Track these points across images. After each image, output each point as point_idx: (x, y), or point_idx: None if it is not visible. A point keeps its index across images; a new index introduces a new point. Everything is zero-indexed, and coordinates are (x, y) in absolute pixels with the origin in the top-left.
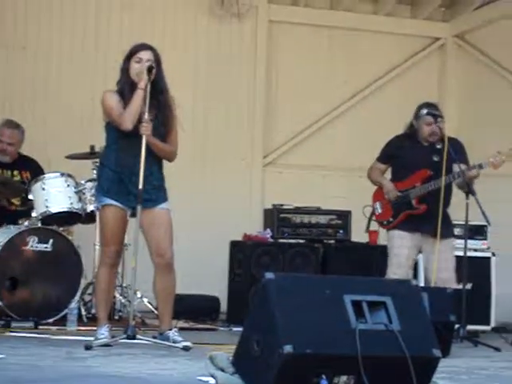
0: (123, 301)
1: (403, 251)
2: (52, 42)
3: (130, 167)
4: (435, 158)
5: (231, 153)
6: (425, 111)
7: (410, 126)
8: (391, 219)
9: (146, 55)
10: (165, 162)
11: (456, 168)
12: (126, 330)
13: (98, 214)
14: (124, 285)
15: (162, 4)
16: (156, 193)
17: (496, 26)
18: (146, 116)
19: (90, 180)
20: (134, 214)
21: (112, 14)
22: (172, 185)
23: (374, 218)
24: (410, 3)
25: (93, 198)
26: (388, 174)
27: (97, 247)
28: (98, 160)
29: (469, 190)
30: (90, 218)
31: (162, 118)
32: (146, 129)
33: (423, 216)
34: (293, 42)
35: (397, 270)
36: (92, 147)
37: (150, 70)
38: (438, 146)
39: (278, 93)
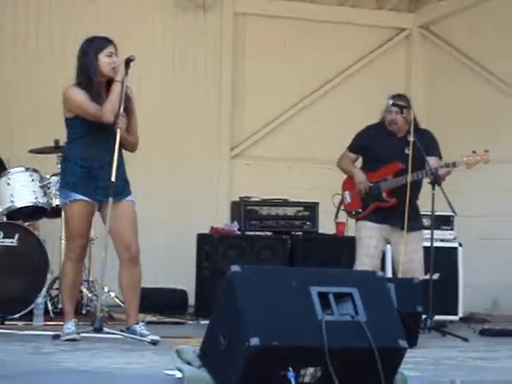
0: (90, 295)
1: (372, 242)
2: (19, 35)
3: (98, 160)
4: (407, 151)
5: (198, 145)
6: (389, 102)
7: (382, 117)
8: (360, 210)
9: (113, 49)
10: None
11: (427, 166)
12: (93, 322)
13: (63, 208)
14: (91, 279)
15: None
16: (123, 185)
17: (461, 16)
18: (122, 110)
19: (55, 174)
20: (99, 208)
21: (77, 8)
22: (139, 178)
23: (342, 207)
24: None
25: (58, 193)
26: (358, 164)
27: (63, 241)
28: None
29: (435, 181)
30: (55, 212)
31: (124, 109)
32: (121, 123)
33: (392, 209)
34: (259, 33)
35: (365, 260)
36: (56, 141)
37: (128, 62)
38: (409, 139)
39: (244, 84)
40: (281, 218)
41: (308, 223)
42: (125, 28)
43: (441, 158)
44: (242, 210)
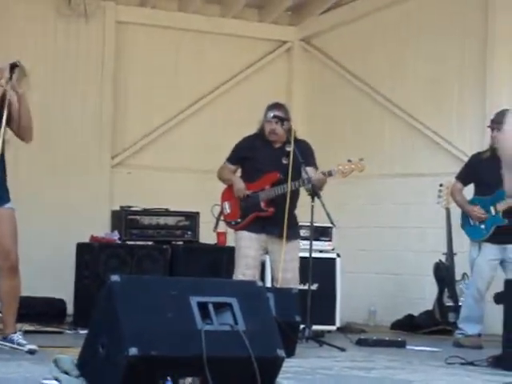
0: None
1: (251, 252)
2: None
3: None
4: (284, 161)
5: (79, 154)
6: (268, 112)
7: (260, 127)
8: (239, 220)
9: None
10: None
11: (304, 174)
12: None
13: None
14: None
15: (5, 2)
16: (1, 193)
17: (341, 31)
18: (5, 115)
19: None
20: None
21: None
22: (18, 186)
23: (222, 217)
24: (257, 6)
25: None
26: (238, 175)
27: None
28: None
29: (314, 193)
30: None
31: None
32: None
33: (271, 218)
34: (141, 43)
35: (245, 270)
36: None
37: (13, 67)
38: (288, 149)
39: (126, 94)
40: (161, 227)
41: (189, 233)
42: (3, 36)
43: (317, 168)
44: (123, 219)
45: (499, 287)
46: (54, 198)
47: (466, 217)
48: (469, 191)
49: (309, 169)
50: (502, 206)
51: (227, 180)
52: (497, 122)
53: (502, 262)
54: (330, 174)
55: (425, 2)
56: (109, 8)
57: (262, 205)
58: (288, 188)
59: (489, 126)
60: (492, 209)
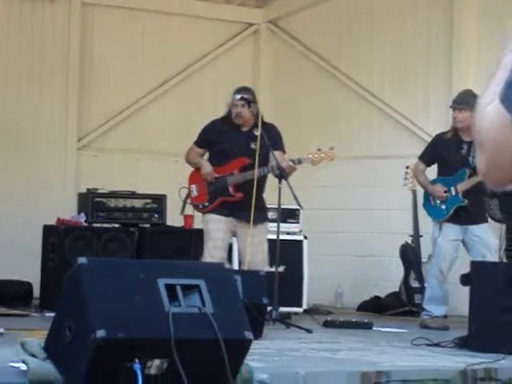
0: None
1: (219, 234)
2: None
3: None
4: (253, 146)
5: (44, 136)
6: (235, 95)
7: (227, 111)
8: (207, 203)
9: None
10: None
11: (273, 160)
12: None
13: None
14: None
15: None
16: None
17: (307, 13)
18: None
19: None
20: None
21: None
22: None
23: (189, 200)
24: None
25: None
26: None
27: None
28: None
29: (281, 176)
30: None
31: None
32: None
33: (239, 203)
34: (107, 24)
35: (213, 252)
36: None
37: None
38: (256, 133)
39: (92, 76)
40: (128, 210)
41: (156, 215)
42: None
43: (285, 152)
44: (90, 201)
45: (466, 268)
46: (20, 179)
47: (427, 196)
48: (433, 173)
49: (277, 153)
50: (462, 187)
51: (195, 163)
52: (458, 103)
53: (464, 243)
54: (299, 161)
55: None
56: None
57: (230, 190)
58: (255, 173)
59: (451, 106)
60: (452, 189)
